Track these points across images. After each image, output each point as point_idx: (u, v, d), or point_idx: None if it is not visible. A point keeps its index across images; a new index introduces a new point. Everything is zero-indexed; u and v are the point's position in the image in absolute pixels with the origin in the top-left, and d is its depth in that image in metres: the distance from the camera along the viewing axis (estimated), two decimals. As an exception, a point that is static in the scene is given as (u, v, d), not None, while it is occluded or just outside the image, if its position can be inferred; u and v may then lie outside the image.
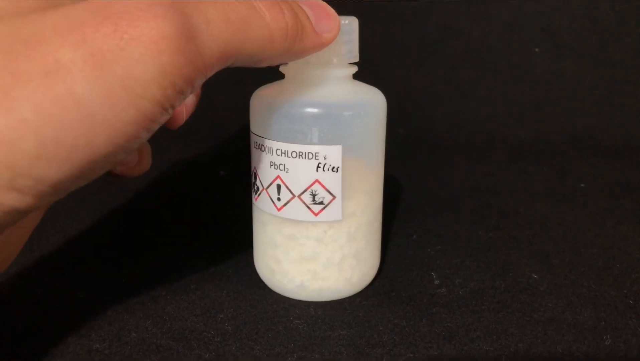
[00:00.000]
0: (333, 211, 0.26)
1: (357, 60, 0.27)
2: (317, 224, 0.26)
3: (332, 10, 0.24)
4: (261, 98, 0.27)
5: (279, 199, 0.26)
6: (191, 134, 0.34)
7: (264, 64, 0.22)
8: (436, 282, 0.30)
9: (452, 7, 0.59)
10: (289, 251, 0.27)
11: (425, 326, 0.26)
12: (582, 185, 0.46)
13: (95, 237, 0.36)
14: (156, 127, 0.18)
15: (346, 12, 0.25)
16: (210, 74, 0.19)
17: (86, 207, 0.39)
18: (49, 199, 0.17)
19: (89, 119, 0.16)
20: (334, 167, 0.25)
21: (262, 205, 0.27)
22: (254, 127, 0.27)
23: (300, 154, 0.25)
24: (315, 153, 0.25)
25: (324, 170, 0.25)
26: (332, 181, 0.26)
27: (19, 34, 0.16)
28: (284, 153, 0.25)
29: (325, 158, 0.25)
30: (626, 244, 0.35)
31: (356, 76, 0.28)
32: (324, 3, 0.24)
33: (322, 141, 0.25)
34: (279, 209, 0.26)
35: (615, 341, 0.25)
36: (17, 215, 0.17)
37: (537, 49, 0.58)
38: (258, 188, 0.27)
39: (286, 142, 0.25)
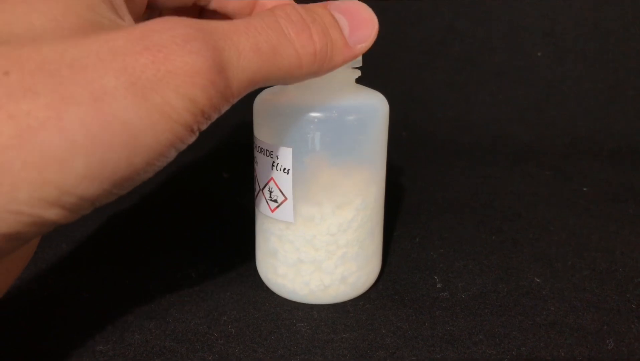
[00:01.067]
0: (285, 212, 0.27)
1: (360, 65, 0.27)
2: (275, 221, 0.27)
3: (370, 15, 0.24)
4: (264, 102, 0.27)
5: (255, 189, 0.28)
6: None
7: (291, 84, 0.23)
8: (439, 285, 0.30)
9: (455, 10, 0.59)
10: (260, 243, 0.29)
11: (428, 330, 0.26)
12: (585, 189, 0.46)
13: (99, 239, 0.36)
14: (184, 147, 0.19)
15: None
16: (237, 100, 0.20)
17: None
18: (84, 212, 0.18)
19: (132, 142, 0.17)
20: (285, 169, 0.26)
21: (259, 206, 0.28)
22: (256, 130, 0.27)
23: (261, 149, 0.26)
24: (271, 152, 0.26)
25: (277, 169, 0.26)
26: (284, 181, 0.26)
27: (63, 57, 0.17)
28: (256, 147, 0.27)
29: (277, 158, 0.26)
30: (629, 248, 0.35)
31: (360, 78, 0.28)
32: (362, 7, 0.24)
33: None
34: (254, 199, 0.28)
35: (617, 345, 0.25)
36: (52, 227, 0.17)
37: (539, 53, 0.58)
38: (255, 189, 0.29)
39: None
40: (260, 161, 0.27)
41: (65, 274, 0.31)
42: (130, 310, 0.27)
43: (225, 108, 0.20)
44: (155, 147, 0.18)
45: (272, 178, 0.26)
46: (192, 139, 0.19)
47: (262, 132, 0.27)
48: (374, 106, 0.27)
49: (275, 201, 0.27)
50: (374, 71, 0.29)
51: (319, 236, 0.27)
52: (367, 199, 0.27)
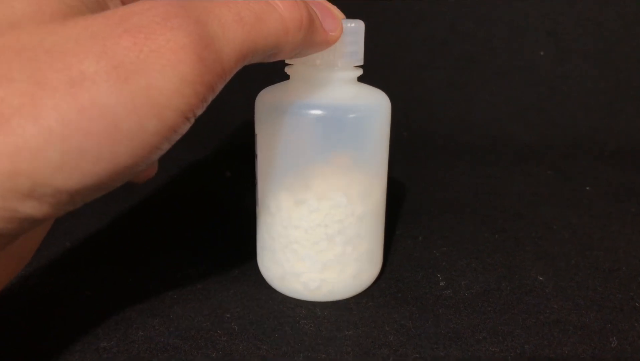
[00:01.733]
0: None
1: (361, 63, 0.27)
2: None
3: (336, 11, 0.24)
4: (266, 100, 0.27)
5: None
6: (197, 135, 0.34)
7: (278, 58, 0.22)
8: (442, 283, 0.30)
9: (456, 10, 0.59)
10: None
11: (432, 327, 0.26)
12: (587, 188, 0.46)
13: (102, 237, 0.36)
14: (177, 137, 0.18)
15: (351, 14, 0.25)
16: (230, 77, 0.19)
17: (93, 207, 0.39)
18: (66, 208, 0.17)
19: (113, 130, 0.16)
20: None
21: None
22: (258, 129, 0.27)
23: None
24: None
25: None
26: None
27: (41, 44, 0.16)
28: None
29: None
30: (632, 247, 0.35)
31: (361, 78, 0.28)
32: (328, 3, 0.24)
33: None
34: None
35: (621, 344, 0.25)
36: (33, 223, 0.17)
37: (542, 53, 0.58)
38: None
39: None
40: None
41: (69, 272, 0.31)
42: (133, 307, 0.27)
43: (219, 86, 0.19)
44: (141, 136, 0.17)
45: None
46: (186, 127, 0.18)
47: (263, 131, 0.27)
48: (376, 104, 0.27)
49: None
50: (376, 70, 0.29)
51: (320, 233, 0.27)
52: (369, 196, 0.27)
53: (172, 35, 0.17)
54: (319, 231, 0.27)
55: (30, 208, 0.16)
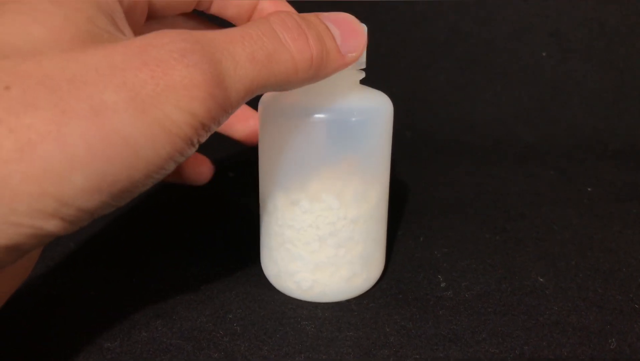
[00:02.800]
0: None
1: (364, 66, 0.27)
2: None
3: (359, 26, 0.24)
4: (269, 102, 0.27)
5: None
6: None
7: (287, 90, 0.23)
8: (442, 284, 0.30)
9: (459, 10, 0.59)
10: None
11: (432, 328, 0.26)
12: (589, 188, 0.46)
13: (106, 238, 0.36)
14: (183, 160, 0.19)
15: (354, 14, 0.25)
16: (235, 110, 0.21)
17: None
18: (84, 223, 0.18)
19: (132, 156, 0.17)
20: None
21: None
22: (261, 130, 0.27)
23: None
24: None
25: None
26: None
27: (63, 72, 0.17)
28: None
29: None
30: (633, 248, 0.35)
31: (364, 78, 0.28)
32: (352, 18, 0.24)
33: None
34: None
35: (620, 345, 0.25)
36: (51, 238, 0.18)
37: (544, 53, 0.58)
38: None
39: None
40: None
41: (73, 273, 0.31)
42: (137, 308, 0.28)
43: (224, 119, 0.20)
44: (155, 160, 0.18)
45: None
46: (191, 151, 0.20)
47: (266, 133, 0.27)
48: (379, 107, 0.27)
49: None
50: (378, 71, 0.29)
51: (312, 234, 0.27)
52: (365, 200, 0.27)
53: (187, 73, 0.18)
54: (311, 232, 0.27)
55: (54, 226, 0.17)
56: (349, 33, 0.24)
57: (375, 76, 0.28)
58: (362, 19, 0.26)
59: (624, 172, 0.50)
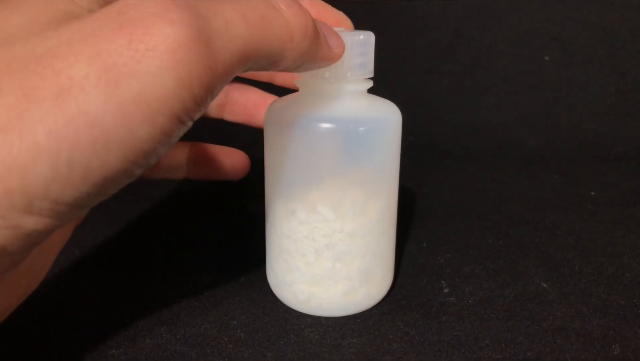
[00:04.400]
0: None
1: (371, 75, 0.26)
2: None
3: (343, 18, 0.24)
4: (276, 112, 0.27)
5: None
6: (202, 140, 0.34)
7: (281, 67, 0.21)
8: (446, 290, 0.30)
9: (462, 15, 0.59)
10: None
11: (435, 335, 0.26)
12: (592, 193, 0.46)
13: (110, 244, 0.36)
14: (174, 140, 0.17)
15: (356, 20, 0.25)
16: (230, 79, 0.18)
17: (100, 213, 0.40)
18: (69, 217, 0.17)
19: (102, 139, 0.15)
20: None
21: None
22: (267, 139, 0.27)
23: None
24: None
25: None
26: None
27: (33, 52, 0.16)
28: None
29: None
30: (636, 253, 0.35)
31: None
32: (328, 25, 0.24)
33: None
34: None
35: (623, 351, 0.25)
36: (38, 237, 0.17)
37: (547, 57, 0.58)
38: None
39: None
40: None
41: (77, 279, 0.32)
42: (141, 314, 0.28)
43: (218, 88, 0.18)
44: (132, 143, 0.16)
45: None
46: (182, 131, 0.17)
47: (272, 142, 0.27)
48: (387, 117, 0.27)
49: None
50: (381, 76, 0.29)
51: (308, 246, 0.27)
52: (373, 211, 0.27)
53: (171, 30, 0.16)
54: (307, 244, 0.26)
55: (32, 223, 0.16)
56: (330, 31, 0.23)
57: (378, 81, 0.28)
58: (365, 23, 0.26)
59: (628, 176, 0.50)
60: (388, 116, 0.27)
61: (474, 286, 0.31)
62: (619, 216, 0.41)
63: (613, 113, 0.58)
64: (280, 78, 0.32)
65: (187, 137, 0.20)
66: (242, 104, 0.33)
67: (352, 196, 0.26)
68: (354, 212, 0.26)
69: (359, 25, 0.27)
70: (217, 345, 0.26)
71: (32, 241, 0.17)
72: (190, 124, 0.18)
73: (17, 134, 0.15)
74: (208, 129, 0.36)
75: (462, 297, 0.30)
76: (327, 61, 0.23)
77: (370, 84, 0.27)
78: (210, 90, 0.17)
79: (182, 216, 0.41)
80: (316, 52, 0.21)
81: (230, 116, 0.34)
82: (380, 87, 0.28)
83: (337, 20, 0.26)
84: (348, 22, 0.27)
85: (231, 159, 0.34)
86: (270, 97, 0.33)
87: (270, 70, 0.21)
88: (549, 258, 0.34)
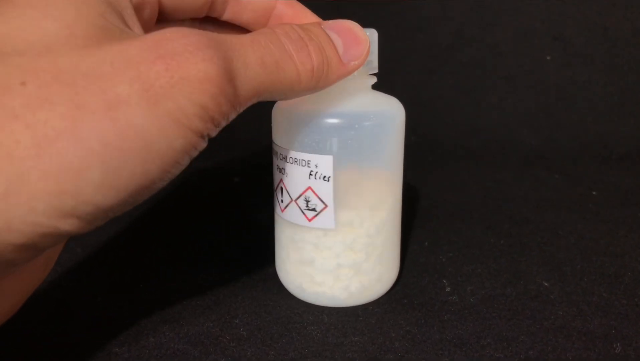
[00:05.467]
0: (325, 219, 0.27)
1: (376, 71, 0.27)
2: (311, 229, 0.27)
3: (362, 34, 0.24)
4: (283, 109, 0.27)
5: (282, 201, 0.28)
6: (210, 138, 0.35)
7: (290, 99, 0.24)
8: (448, 289, 0.30)
9: (464, 15, 0.59)
10: (290, 253, 0.28)
11: (437, 333, 0.26)
12: (594, 193, 0.46)
13: (113, 243, 0.36)
14: (196, 154, 0.20)
15: (358, 20, 0.25)
16: (243, 109, 0.21)
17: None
18: (100, 222, 0.18)
19: (146, 149, 0.17)
20: (325, 177, 0.26)
21: (273, 205, 0.29)
22: (279, 139, 0.27)
23: (295, 160, 0.26)
24: (308, 161, 0.26)
25: (315, 178, 0.26)
26: (324, 189, 0.26)
27: (78, 67, 0.17)
28: (284, 158, 0.27)
29: (316, 167, 0.26)
30: (638, 253, 0.35)
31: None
32: (355, 26, 0.25)
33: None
34: (282, 210, 0.28)
35: (625, 349, 0.25)
36: (67, 238, 0.18)
37: (548, 57, 0.58)
38: (283, 200, 0.28)
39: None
40: (293, 172, 0.27)
41: (81, 278, 0.32)
42: (144, 313, 0.28)
43: (232, 116, 0.20)
44: (169, 153, 0.18)
45: (309, 187, 0.26)
46: (203, 145, 0.20)
47: (280, 139, 0.27)
48: (391, 112, 0.27)
49: (314, 209, 0.27)
50: (384, 75, 0.29)
51: (358, 239, 0.27)
52: (393, 199, 0.28)
53: (202, 67, 0.18)
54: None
55: (69, 225, 0.17)
56: (351, 41, 0.24)
57: (380, 81, 0.28)
58: (367, 23, 0.26)
59: (629, 176, 0.50)
60: (392, 111, 0.27)
61: (475, 285, 0.31)
62: (620, 215, 0.41)
63: (614, 113, 0.58)
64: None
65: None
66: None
67: (367, 190, 0.27)
68: (370, 206, 0.27)
69: (360, 24, 0.27)
70: (219, 343, 0.26)
71: (60, 240, 0.18)
72: (207, 141, 0.20)
73: (73, 140, 0.16)
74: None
75: (464, 296, 0.30)
76: (341, 78, 0.24)
77: (375, 80, 0.28)
78: (226, 117, 0.20)
79: (185, 215, 0.41)
80: (325, 82, 0.24)
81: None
82: (383, 86, 0.28)
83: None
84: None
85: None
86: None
87: (279, 100, 0.25)
88: (550, 257, 0.34)
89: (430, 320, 0.28)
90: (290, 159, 0.26)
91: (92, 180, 0.16)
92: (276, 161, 0.28)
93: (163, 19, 0.25)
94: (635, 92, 0.58)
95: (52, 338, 0.26)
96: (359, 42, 0.24)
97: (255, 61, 0.20)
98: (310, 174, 0.26)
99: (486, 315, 0.28)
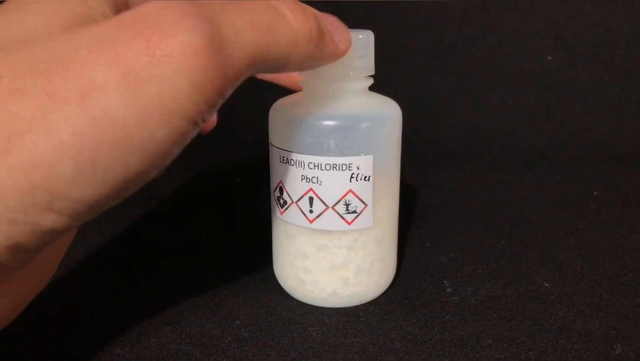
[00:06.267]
0: (365, 219, 0.27)
1: (372, 73, 0.27)
2: (348, 232, 0.27)
3: (343, 25, 0.24)
4: (280, 111, 0.27)
5: (311, 211, 0.27)
6: (206, 141, 0.34)
7: (287, 70, 0.22)
8: (448, 290, 0.31)
9: (464, 15, 0.59)
10: (320, 261, 0.28)
11: (437, 334, 0.27)
12: (595, 193, 0.46)
13: (115, 244, 0.37)
14: (187, 142, 0.18)
15: (359, 20, 0.25)
16: (239, 82, 0.19)
17: (105, 213, 0.40)
18: (86, 218, 0.17)
19: (124, 140, 0.16)
20: (366, 177, 0.26)
21: (291, 218, 0.27)
22: (277, 140, 0.27)
23: (335, 166, 0.26)
24: (349, 164, 0.26)
25: (357, 180, 0.26)
26: (365, 189, 0.26)
27: (53, 55, 0.16)
28: (317, 166, 0.26)
29: (358, 168, 0.26)
30: (639, 253, 0.35)
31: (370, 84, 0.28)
32: (335, 17, 0.24)
33: (341, 152, 0.26)
34: (311, 221, 0.27)
35: (625, 350, 0.25)
36: (54, 235, 0.17)
37: (549, 57, 0.58)
38: (285, 202, 0.27)
39: (318, 155, 0.26)
40: (330, 178, 0.26)
41: (83, 279, 0.32)
42: (146, 314, 0.28)
43: (228, 91, 0.19)
44: (151, 144, 0.17)
45: (350, 190, 0.26)
46: (195, 132, 0.18)
47: (277, 141, 0.27)
48: (388, 113, 0.27)
49: (354, 212, 0.27)
50: (384, 76, 0.29)
51: (386, 236, 0.28)
52: (382, 204, 0.28)
53: (186, 37, 0.17)
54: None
55: (51, 221, 0.16)
56: (336, 26, 0.23)
57: (380, 81, 0.28)
58: (367, 23, 0.26)
59: (631, 176, 0.50)
60: (388, 113, 0.27)
61: (476, 286, 0.31)
62: (621, 216, 0.41)
63: (616, 113, 0.58)
64: (285, 79, 0.33)
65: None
66: None
67: (389, 185, 0.27)
68: (393, 198, 0.28)
69: (361, 24, 0.27)
70: (221, 344, 0.26)
71: (47, 239, 0.17)
72: (202, 125, 0.18)
73: (43, 133, 0.15)
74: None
75: (464, 297, 0.30)
76: (333, 57, 0.23)
77: (371, 81, 0.28)
78: (221, 93, 0.18)
79: (187, 216, 0.42)
80: (321, 53, 0.22)
81: None
82: (383, 87, 0.29)
83: None
84: None
85: None
86: None
87: (275, 72, 0.22)
88: (551, 258, 0.34)
89: (430, 321, 0.28)
90: (328, 165, 0.26)
91: (64, 174, 0.16)
92: (298, 172, 0.26)
93: None
94: (637, 92, 0.58)
95: (53, 339, 0.26)
96: (343, 30, 0.24)
97: (245, 24, 0.18)
98: (352, 177, 0.26)
99: (487, 316, 0.28)
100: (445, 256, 0.35)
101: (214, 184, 0.49)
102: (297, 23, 0.20)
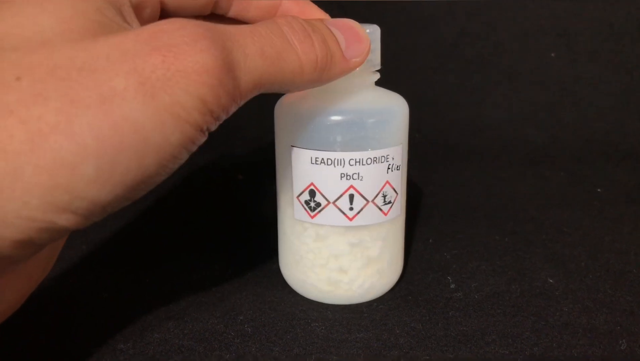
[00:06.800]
0: (396, 208, 0.28)
1: (379, 67, 0.27)
2: (383, 224, 0.27)
3: (363, 32, 0.25)
4: (286, 106, 0.27)
5: (351, 208, 0.26)
6: (208, 138, 0.34)
7: (292, 91, 0.23)
8: (452, 286, 0.30)
9: (467, 12, 0.59)
10: (357, 259, 0.28)
11: (441, 330, 0.26)
12: (599, 190, 0.46)
13: (118, 240, 0.36)
14: (194, 148, 0.19)
15: (362, 18, 0.25)
16: (244, 102, 0.21)
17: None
18: (95, 219, 0.18)
19: (142, 143, 0.17)
20: (398, 166, 0.27)
21: (325, 220, 0.27)
22: (304, 142, 0.26)
23: (375, 159, 0.26)
24: (387, 155, 0.26)
25: (392, 170, 0.27)
26: (397, 179, 0.27)
27: (73, 62, 0.17)
28: (359, 162, 0.26)
29: (393, 159, 0.27)
30: (643, 250, 0.35)
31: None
32: (356, 24, 0.24)
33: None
34: (351, 219, 0.27)
35: (630, 346, 0.25)
36: (64, 233, 0.18)
37: (553, 54, 0.58)
38: (319, 204, 0.27)
39: (357, 150, 0.26)
40: (370, 172, 0.26)
41: (86, 275, 0.32)
42: (149, 309, 0.28)
43: (232, 109, 0.20)
44: (165, 148, 0.18)
45: (387, 182, 0.27)
46: (202, 139, 0.19)
47: (283, 136, 0.27)
48: (395, 108, 0.27)
49: (390, 202, 0.27)
50: (387, 73, 0.29)
51: (404, 223, 0.30)
52: (398, 195, 0.28)
53: (200, 58, 0.18)
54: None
55: (66, 220, 0.17)
56: (353, 38, 0.24)
57: (384, 78, 0.28)
58: (371, 21, 0.26)
59: (634, 173, 0.50)
60: (395, 107, 0.27)
61: (480, 282, 0.31)
62: (625, 212, 0.41)
63: (619, 110, 0.58)
64: None
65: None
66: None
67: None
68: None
69: (365, 22, 0.27)
70: (224, 339, 0.26)
71: (58, 236, 0.18)
72: (207, 134, 0.20)
73: (66, 135, 0.16)
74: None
75: (468, 293, 0.30)
76: (343, 74, 0.24)
77: (378, 76, 0.28)
78: (226, 110, 0.20)
79: (190, 212, 0.42)
80: (328, 76, 0.23)
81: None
82: (387, 84, 0.28)
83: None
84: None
85: None
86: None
87: (282, 92, 0.23)
88: (555, 255, 0.34)
89: (434, 317, 0.27)
90: (369, 160, 0.26)
91: (86, 175, 0.16)
92: (337, 171, 0.26)
93: (166, 16, 0.24)
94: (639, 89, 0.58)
95: (56, 334, 0.26)
96: (361, 39, 0.24)
97: (256, 51, 0.20)
98: (389, 168, 0.27)
99: (491, 312, 0.28)
100: (449, 252, 0.34)
101: (216, 181, 0.49)
102: (303, 53, 0.22)
